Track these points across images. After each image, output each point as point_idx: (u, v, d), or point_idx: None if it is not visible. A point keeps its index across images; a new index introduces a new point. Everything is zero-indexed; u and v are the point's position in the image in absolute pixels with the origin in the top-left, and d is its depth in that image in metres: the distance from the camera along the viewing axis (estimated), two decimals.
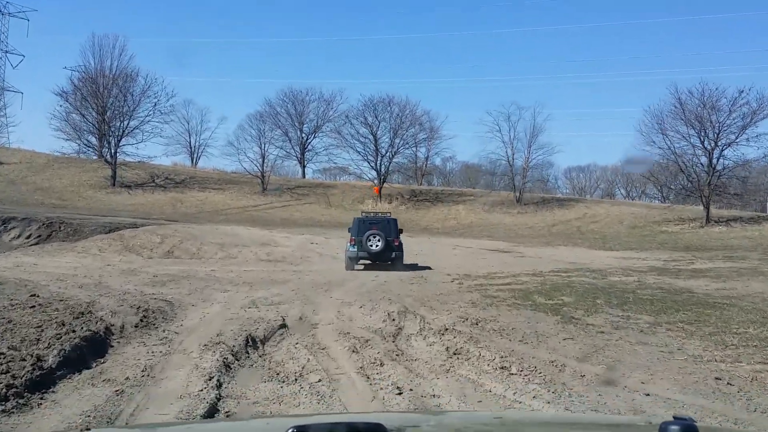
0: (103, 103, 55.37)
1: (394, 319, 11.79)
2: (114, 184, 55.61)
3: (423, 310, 12.83)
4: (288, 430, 1.60)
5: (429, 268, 23.11)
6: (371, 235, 22.28)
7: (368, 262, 22.85)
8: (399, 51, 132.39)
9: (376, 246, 22.26)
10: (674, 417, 1.79)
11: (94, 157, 58.12)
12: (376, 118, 54.75)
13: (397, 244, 22.66)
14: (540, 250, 31.83)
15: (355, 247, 22.40)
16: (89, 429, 2.70)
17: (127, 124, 55.88)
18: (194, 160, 72.30)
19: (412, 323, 11.55)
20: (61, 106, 54.82)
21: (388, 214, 24.54)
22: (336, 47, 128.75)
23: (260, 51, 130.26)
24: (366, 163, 55.26)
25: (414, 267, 23.48)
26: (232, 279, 18.94)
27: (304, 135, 65.13)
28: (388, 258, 22.64)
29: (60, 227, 36.03)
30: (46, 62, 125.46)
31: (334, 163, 61.53)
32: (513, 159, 51.93)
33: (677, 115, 40.27)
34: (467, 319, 11.73)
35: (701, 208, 47.45)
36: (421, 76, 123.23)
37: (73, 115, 55.70)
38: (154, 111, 55.91)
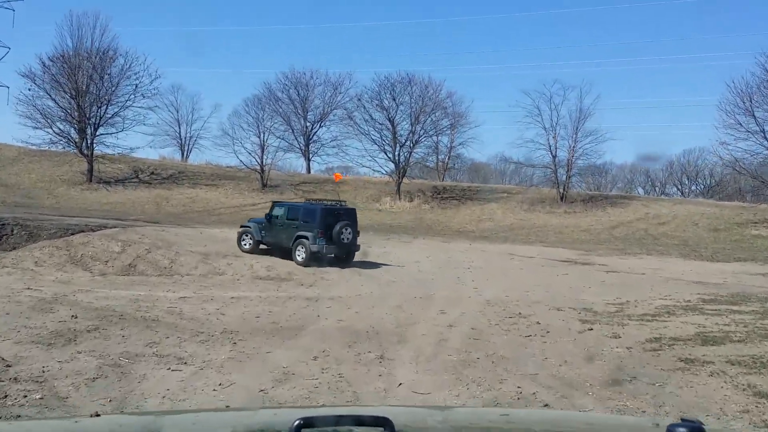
0: (77, 86, 47.55)
1: None
2: (91, 180, 47.89)
3: None
4: (295, 421, 1.59)
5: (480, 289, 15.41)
6: (345, 226, 20.04)
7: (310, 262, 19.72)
8: (422, 34, 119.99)
9: (347, 239, 20.12)
10: (682, 419, 1.70)
11: (71, 150, 50.25)
12: (394, 100, 46.90)
13: (358, 236, 20.87)
14: (624, 261, 24.13)
15: (323, 240, 19.75)
16: (99, 415, 2.10)
17: (105, 110, 48.01)
18: (184, 154, 64.31)
19: None
20: (30, 89, 46.90)
21: (344, 203, 22.85)
22: (347, 32, 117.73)
23: (261, 38, 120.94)
24: (383, 154, 47.31)
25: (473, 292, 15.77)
26: (205, 322, 11.28)
27: (308, 124, 57.25)
28: (352, 253, 20.85)
29: (12, 230, 28.03)
30: (33, 54, 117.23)
31: (345, 153, 53.31)
32: (556, 149, 44.21)
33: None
34: None
35: None
36: (444, 60, 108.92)
37: (44, 99, 47.76)
38: (136, 94, 48.06)
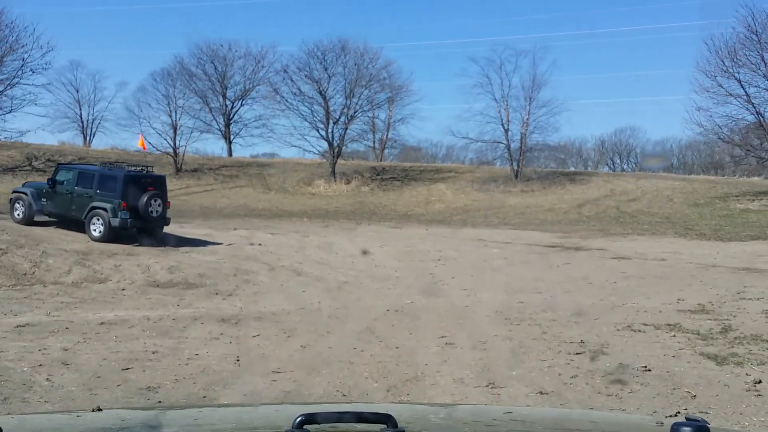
0: None
1: None
2: None
3: None
4: (297, 417, 1.58)
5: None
6: (153, 197, 17.16)
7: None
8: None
9: (157, 212, 17.33)
10: (686, 418, 1.62)
11: None
12: (325, 71, 41.25)
13: (168, 207, 18.20)
14: (619, 244, 19.72)
15: (127, 213, 16.68)
16: (101, 409, 2.12)
17: None
18: (87, 138, 57.02)
19: None
20: None
21: (151, 168, 19.07)
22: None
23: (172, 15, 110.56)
24: (314, 132, 41.57)
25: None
26: (22, 386, 5.90)
27: (228, 102, 51.03)
28: (161, 228, 18.01)
29: None
30: None
31: (272, 132, 46.88)
32: (508, 122, 39.56)
33: (752, 46, 28.55)
34: None
35: (752, 179, 36.72)
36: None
37: None
38: (24, 70, 41.03)
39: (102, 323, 9.23)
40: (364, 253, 15.86)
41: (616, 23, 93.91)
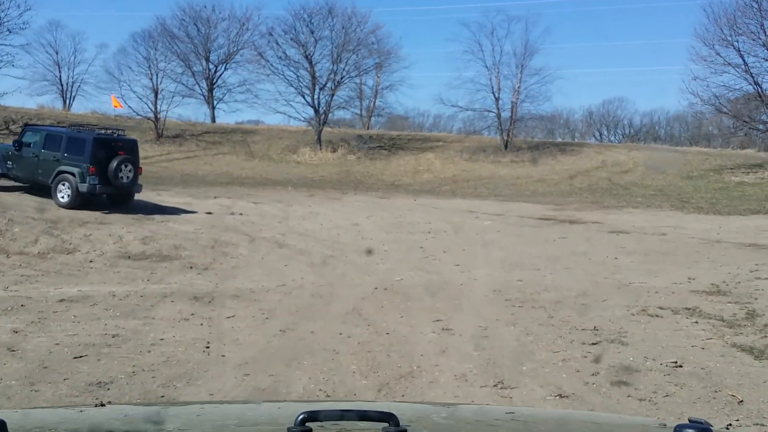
0: None
1: None
2: None
3: None
4: (299, 415, 1.57)
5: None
6: (124, 162, 16.17)
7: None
8: None
9: (127, 178, 16.35)
10: (690, 420, 1.62)
11: None
12: (312, 34, 39.90)
13: (140, 174, 17.28)
14: (616, 217, 19.00)
15: (95, 178, 15.78)
16: (104, 404, 2.18)
17: None
18: (67, 102, 55.32)
19: None
20: None
21: (122, 132, 18.07)
22: None
23: None
24: (300, 98, 40.32)
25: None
26: None
27: (212, 66, 49.52)
28: (132, 195, 17.14)
29: None
30: None
31: (256, 98, 45.53)
32: (499, 90, 38.54)
33: (752, 14, 27.65)
34: None
35: (745, 151, 36.10)
36: None
37: None
38: (0, 29, 39.50)
39: (62, 300, 8.37)
40: (369, 252, 14.45)
41: None
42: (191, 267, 11.06)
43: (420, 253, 12.67)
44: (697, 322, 6.84)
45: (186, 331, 6.83)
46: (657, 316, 7.11)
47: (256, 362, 5.70)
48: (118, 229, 14.39)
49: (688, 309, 7.37)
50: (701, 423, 1.59)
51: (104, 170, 16.02)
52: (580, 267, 10.90)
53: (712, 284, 9.00)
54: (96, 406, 2.11)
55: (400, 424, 1.57)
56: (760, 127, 29.34)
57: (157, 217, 16.42)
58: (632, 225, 16.93)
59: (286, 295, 8.66)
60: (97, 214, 16.01)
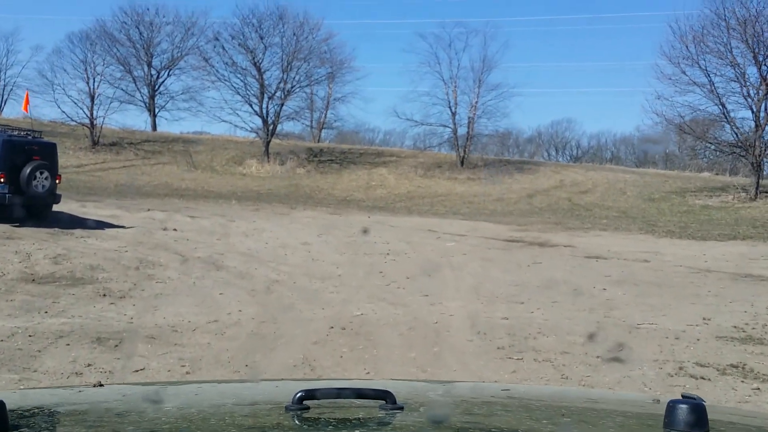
0: None
1: None
2: None
3: None
4: (297, 393, 1.56)
5: None
6: (38, 168, 14.47)
7: None
8: None
9: (43, 187, 14.63)
10: (683, 395, 1.57)
11: None
12: (261, 40, 37.98)
13: (59, 182, 15.54)
14: (586, 240, 17.70)
15: (5, 187, 14.17)
16: (102, 384, 2.15)
17: None
18: None
19: None
20: None
21: (38, 134, 16.06)
22: None
23: None
24: (247, 107, 38.25)
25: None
26: None
27: (154, 71, 47.07)
28: (49, 206, 15.19)
29: None
30: None
31: (201, 106, 43.34)
32: (456, 104, 37.18)
33: (718, 35, 26.79)
34: None
35: (703, 174, 35.67)
36: None
37: None
38: None
39: None
40: (322, 280, 12.80)
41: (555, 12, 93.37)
42: (105, 294, 9.10)
43: (380, 280, 10.95)
44: (758, 389, 5.29)
45: None
46: (702, 378, 5.54)
47: None
48: (27, 246, 12.34)
49: (735, 367, 5.84)
50: (694, 398, 1.53)
51: (16, 177, 14.43)
52: (567, 300, 9.34)
53: (735, 327, 7.53)
54: (94, 386, 2.06)
55: (397, 401, 1.55)
56: (725, 149, 28.55)
57: (78, 231, 14.36)
58: (607, 249, 15.56)
59: (218, 337, 6.83)
60: (5, 227, 13.90)
